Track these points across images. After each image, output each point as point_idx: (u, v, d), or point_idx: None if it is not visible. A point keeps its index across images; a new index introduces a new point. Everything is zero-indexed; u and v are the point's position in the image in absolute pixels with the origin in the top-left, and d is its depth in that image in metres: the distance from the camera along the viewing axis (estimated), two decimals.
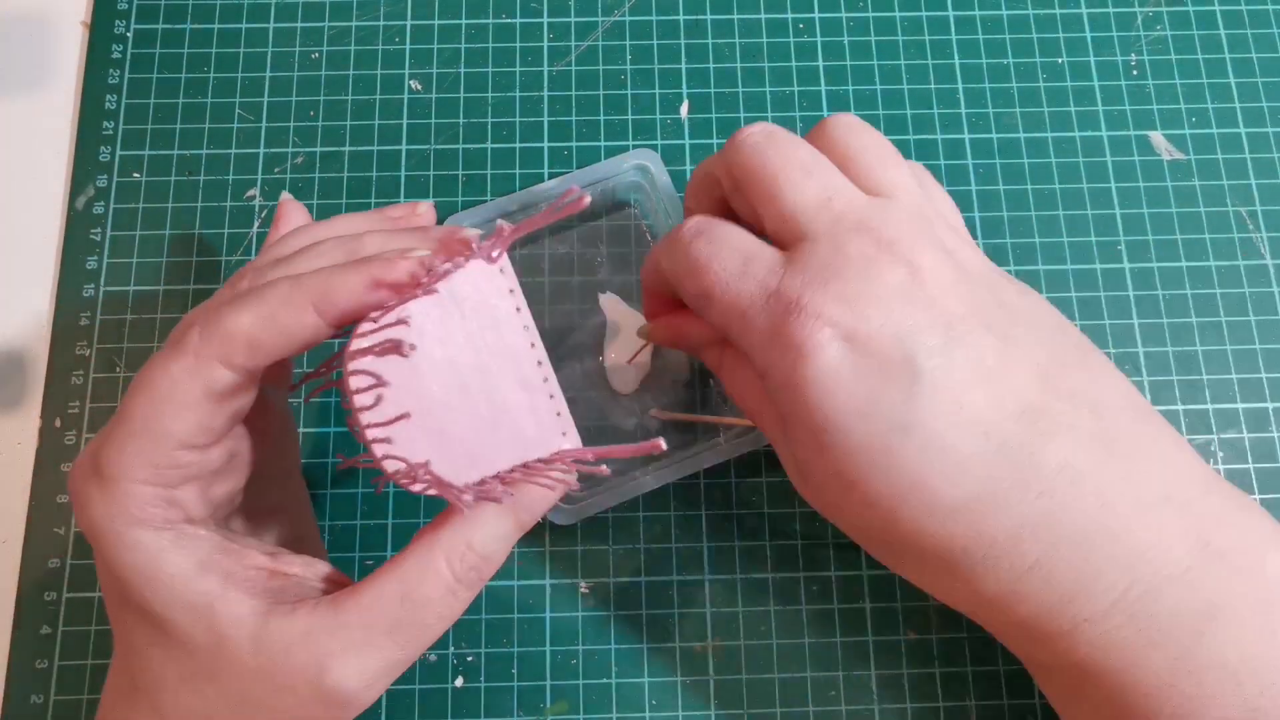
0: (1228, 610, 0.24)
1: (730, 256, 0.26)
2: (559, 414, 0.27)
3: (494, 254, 0.26)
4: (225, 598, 0.23)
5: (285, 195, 0.31)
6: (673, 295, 0.30)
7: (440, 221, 0.35)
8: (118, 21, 0.40)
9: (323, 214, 0.38)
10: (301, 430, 0.36)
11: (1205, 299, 0.37)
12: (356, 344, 0.24)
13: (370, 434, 0.23)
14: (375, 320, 0.24)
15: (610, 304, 0.36)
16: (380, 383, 0.23)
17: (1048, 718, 0.33)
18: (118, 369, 0.36)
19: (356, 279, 0.24)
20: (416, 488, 0.24)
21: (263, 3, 0.41)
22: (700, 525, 0.35)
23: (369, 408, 0.23)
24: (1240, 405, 0.36)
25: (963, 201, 0.38)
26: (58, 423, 0.36)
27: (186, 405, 0.23)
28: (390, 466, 0.24)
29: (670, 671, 0.34)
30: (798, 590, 0.34)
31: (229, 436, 0.26)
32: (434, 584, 0.24)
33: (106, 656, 0.33)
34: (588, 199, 0.24)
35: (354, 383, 0.23)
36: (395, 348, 0.23)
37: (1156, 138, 0.39)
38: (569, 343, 0.36)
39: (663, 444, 0.24)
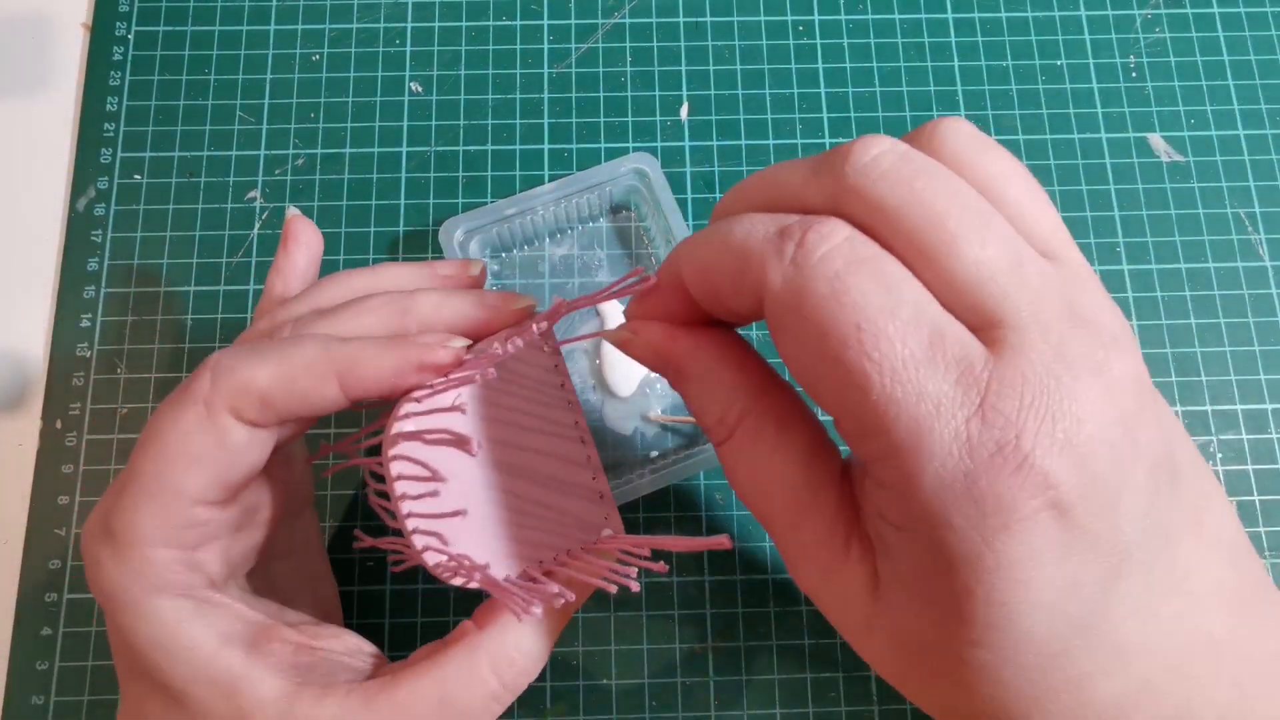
0: None
1: (911, 321, 0.18)
2: (602, 496, 0.25)
3: (545, 333, 0.23)
4: (250, 677, 0.22)
5: (293, 211, 0.28)
6: (697, 301, 0.22)
7: (439, 223, 0.35)
8: (119, 24, 0.40)
9: (323, 217, 0.38)
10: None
11: (1204, 301, 0.38)
12: (400, 426, 0.21)
13: (411, 524, 0.21)
14: (420, 400, 0.22)
15: (608, 307, 0.36)
16: (435, 476, 0.21)
17: None
18: (118, 370, 0.36)
19: (389, 361, 0.22)
20: (457, 581, 0.22)
21: (264, 5, 0.41)
22: (700, 527, 0.35)
23: (413, 497, 0.21)
24: (1239, 407, 0.36)
25: None
26: (58, 424, 0.36)
27: (199, 460, 0.22)
28: (431, 560, 0.22)
29: (670, 673, 0.34)
30: (797, 591, 0.34)
31: (250, 492, 0.24)
32: (477, 692, 0.22)
33: (107, 658, 0.33)
34: (653, 280, 0.22)
35: (396, 469, 0.21)
36: (458, 443, 0.21)
37: (1155, 140, 0.40)
38: (566, 345, 0.36)
39: (729, 541, 0.21)
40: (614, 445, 0.35)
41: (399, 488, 0.21)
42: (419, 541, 0.22)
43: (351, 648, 0.25)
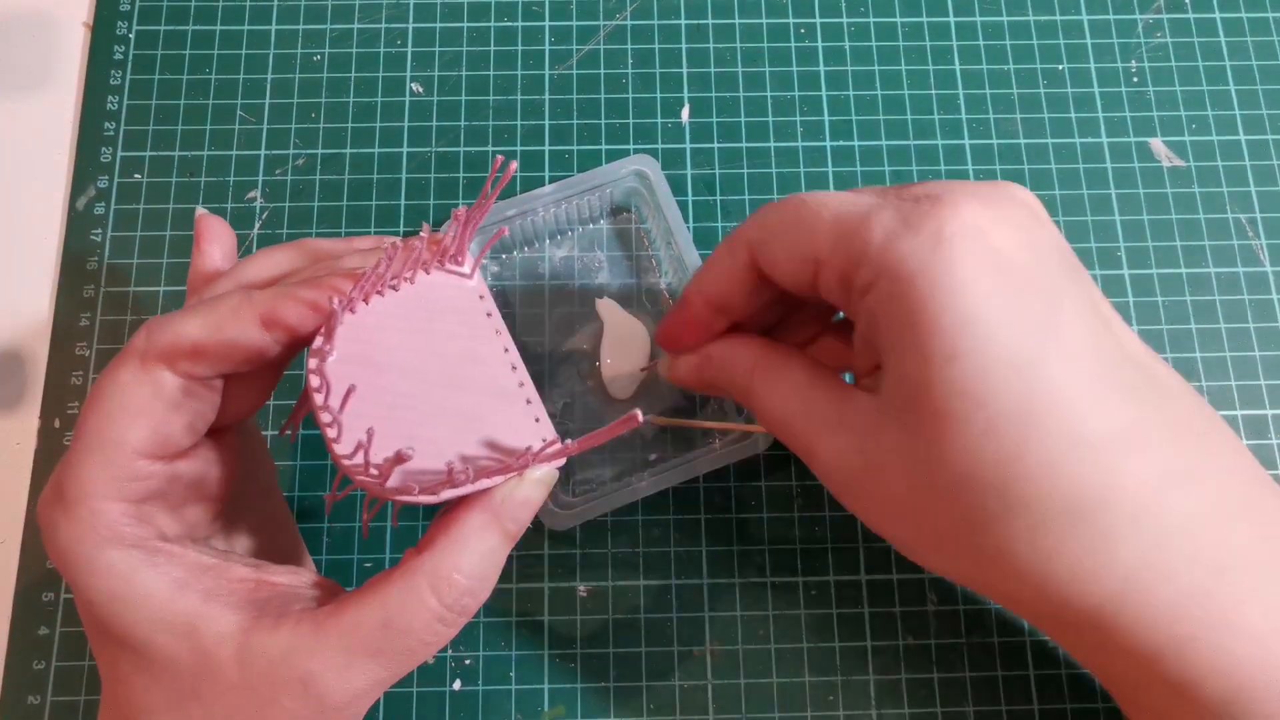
0: None
1: (834, 193, 0.25)
2: (537, 419, 0.26)
3: (457, 249, 0.26)
4: (207, 615, 0.23)
5: (201, 210, 0.29)
6: (720, 316, 0.28)
7: (437, 226, 0.35)
8: (120, 23, 0.40)
9: (323, 217, 0.38)
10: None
11: (1204, 305, 0.38)
12: (317, 343, 0.23)
13: (324, 416, 0.23)
14: (332, 327, 0.24)
15: (607, 309, 0.36)
16: (325, 384, 0.23)
17: None
18: None
19: (307, 293, 0.23)
20: (366, 479, 0.23)
21: (265, 5, 0.41)
22: (699, 529, 0.35)
23: (326, 407, 0.23)
24: (1239, 412, 0.36)
25: None
26: (57, 423, 0.36)
27: (138, 412, 0.23)
28: (340, 451, 0.23)
29: (668, 675, 0.33)
30: (796, 594, 0.34)
31: (198, 457, 0.25)
32: (417, 613, 0.23)
33: None
34: (514, 166, 0.24)
35: (313, 381, 0.23)
36: (329, 333, 0.23)
37: (1156, 144, 0.40)
38: (566, 347, 0.36)
39: (640, 416, 0.23)
40: (613, 447, 0.35)
41: (315, 399, 0.23)
42: (339, 449, 0.23)
43: (308, 580, 0.26)
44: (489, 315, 0.27)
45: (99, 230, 0.38)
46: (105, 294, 0.37)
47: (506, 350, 0.27)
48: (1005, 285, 0.22)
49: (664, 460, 0.35)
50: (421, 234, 0.25)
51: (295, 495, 0.35)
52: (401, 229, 0.38)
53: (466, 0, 0.41)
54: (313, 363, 0.23)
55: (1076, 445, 0.21)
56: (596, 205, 0.37)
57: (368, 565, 0.34)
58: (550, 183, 0.35)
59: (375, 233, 0.38)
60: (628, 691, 0.33)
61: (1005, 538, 0.22)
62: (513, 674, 0.34)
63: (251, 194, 0.38)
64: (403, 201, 0.38)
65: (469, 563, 0.24)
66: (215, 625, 0.23)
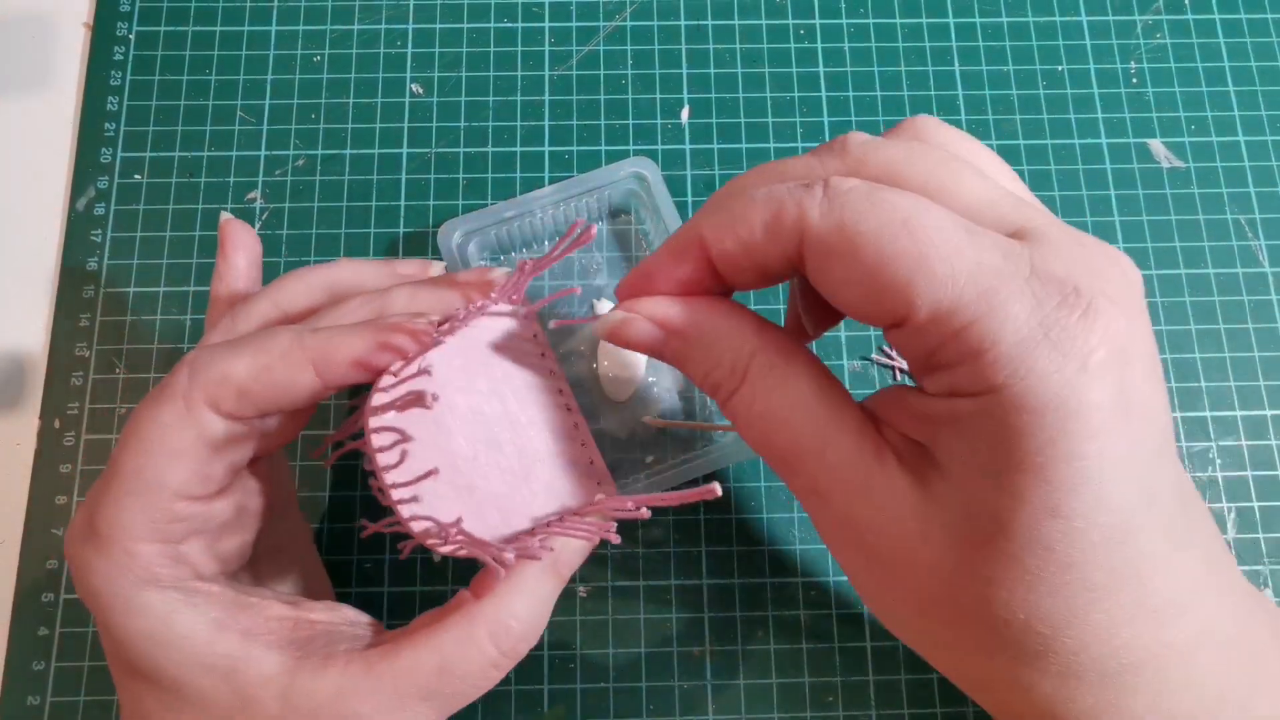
0: None
1: (947, 218, 0.19)
2: (592, 463, 0.25)
3: (514, 295, 0.25)
4: (248, 656, 0.22)
5: (226, 215, 0.29)
6: (716, 262, 0.22)
7: (439, 225, 0.35)
8: (120, 23, 0.40)
9: (322, 218, 0.38)
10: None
11: (1204, 306, 0.38)
12: (377, 399, 0.22)
13: (395, 494, 0.22)
14: (396, 374, 0.23)
15: (605, 310, 0.36)
16: (404, 438, 0.22)
17: None
18: (117, 370, 0.36)
19: (360, 342, 0.23)
20: (446, 549, 0.22)
21: (265, 6, 0.41)
22: (698, 529, 0.35)
23: (393, 466, 0.22)
24: (1239, 413, 0.36)
25: None
26: (57, 424, 0.36)
27: (179, 453, 0.22)
28: (418, 527, 0.22)
29: (668, 676, 0.34)
30: (795, 595, 0.34)
31: (237, 490, 0.25)
32: (475, 659, 0.23)
33: (104, 658, 0.33)
34: (595, 229, 0.23)
35: (376, 440, 0.22)
36: (417, 400, 0.22)
37: (1156, 145, 0.40)
38: (564, 348, 0.36)
39: (718, 489, 0.22)
40: (611, 449, 0.35)
41: (381, 459, 0.22)
42: (405, 511, 0.22)
43: (348, 618, 0.25)
44: (543, 355, 0.26)
45: (99, 231, 0.38)
46: (105, 294, 0.37)
47: (561, 392, 0.26)
48: (1128, 435, 0.19)
49: (662, 462, 0.35)
50: (490, 276, 0.24)
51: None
52: (401, 229, 0.38)
53: (466, 1, 0.41)
54: (382, 416, 0.22)
55: (1140, 612, 0.20)
56: (595, 207, 0.37)
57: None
58: (550, 184, 0.35)
59: (375, 233, 0.38)
60: (627, 692, 0.33)
61: (1031, 673, 0.21)
62: (512, 675, 0.33)
63: (251, 195, 0.38)
64: (402, 202, 0.38)
65: (526, 609, 0.24)
66: (257, 666, 0.22)
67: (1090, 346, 0.18)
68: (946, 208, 0.20)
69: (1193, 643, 0.20)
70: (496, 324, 0.25)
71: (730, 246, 0.22)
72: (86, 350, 0.36)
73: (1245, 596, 0.22)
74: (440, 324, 0.24)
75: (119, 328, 0.37)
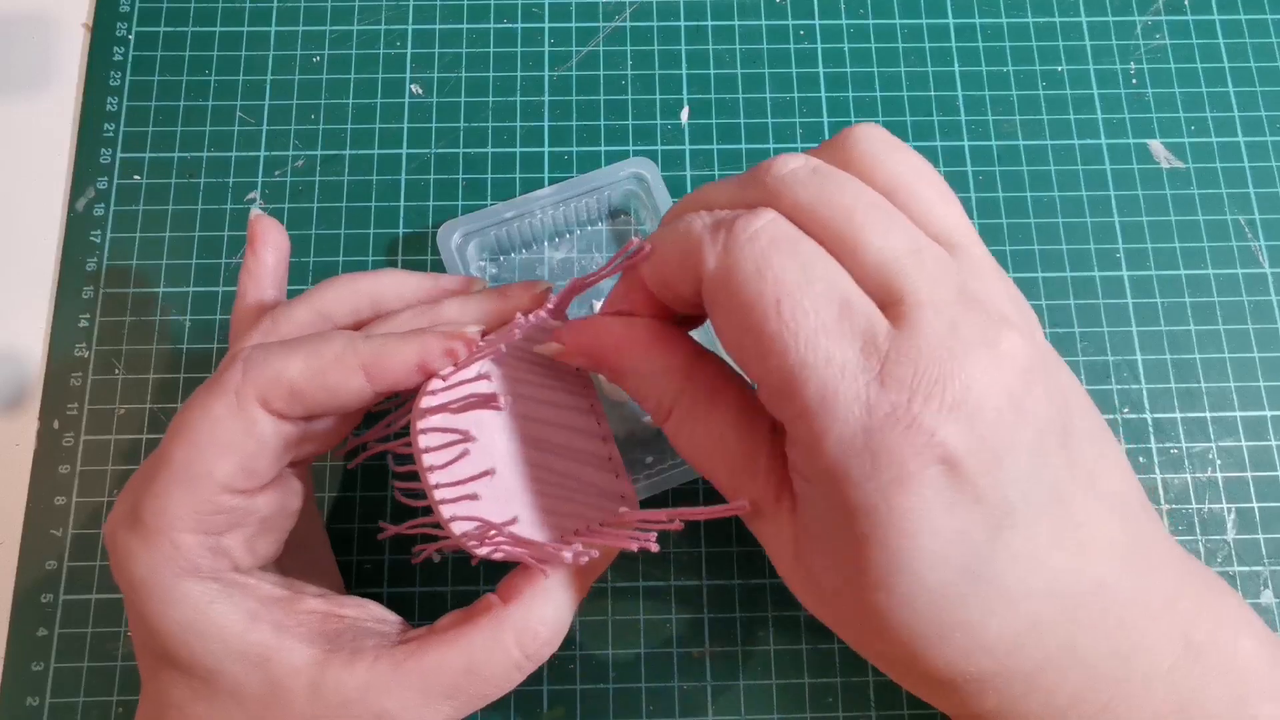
0: (1198, 710, 0.22)
1: (824, 295, 0.20)
2: (618, 475, 0.26)
3: (560, 309, 0.25)
4: (281, 647, 0.23)
5: (256, 211, 0.29)
6: (654, 294, 0.24)
7: (438, 225, 0.35)
8: (119, 24, 0.40)
9: (321, 218, 0.38)
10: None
11: (1203, 307, 0.38)
12: (428, 401, 0.23)
13: (439, 494, 0.23)
14: (446, 378, 0.23)
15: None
16: (466, 438, 0.23)
17: None
18: (116, 371, 0.36)
19: (412, 350, 0.23)
20: (483, 550, 0.23)
21: (264, 6, 0.41)
22: (698, 530, 0.35)
23: (439, 467, 0.23)
24: (1239, 413, 0.36)
25: None
26: (56, 424, 0.36)
27: (228, 447, 0.23)
28: (459, 528, 0.23)
29: (668, 677, 0.33)
30: (795, 596, 0.34)
31: (279, 486, 0.25)
32: (501, 662, 0.24)
33: (102, 659, 0.33)
34: (648, 247, 0.23)
35: (424, 441, 0.23)
36: (485, 401, 0.22)
37: (1155, 146, 0.40)
38: None
39: (749, 505, 0.23)
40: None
41: (427, 459, 0.22)
42: (447, 511, 0.23)
43: (375, 614, 0.26)
44: (578, 370, 0.27)
45: (98, 232, 0.38)
46: (104, 295, 0.37)
47: (592, 406, 0.26)
48: (951, 518, 0.20)
49: (661, 461, 0.35)
50: (539, 290, 0.25)
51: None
52: (401, 230, 0.38)
53: (466, 2, 0.41)
54: (433, 418, 0.23)
55: (970, 655, 0.21)
56: (595, 208, 0.37)
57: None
58: (550, 184, 0.35)
59: (374, 233, 0.38)
60: (627, 693, 0.33)
61: (893, 675, 0.23)
62: None
63: (251, 195, 0.38)
64: (402, 203, 0.38)
65: (553, 615, 0.24)
66: (289, 657, 0.23)
67: (906, 459, 0.19)
68: (839, 265, 0.21)
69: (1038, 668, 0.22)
70: (538, 336, 0.26)
71: (654, 283, 0.24)
72: (86, 351, 0.36)
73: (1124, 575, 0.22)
74: (484, 334, 0.25)
75: (118, 328, 0.37)
